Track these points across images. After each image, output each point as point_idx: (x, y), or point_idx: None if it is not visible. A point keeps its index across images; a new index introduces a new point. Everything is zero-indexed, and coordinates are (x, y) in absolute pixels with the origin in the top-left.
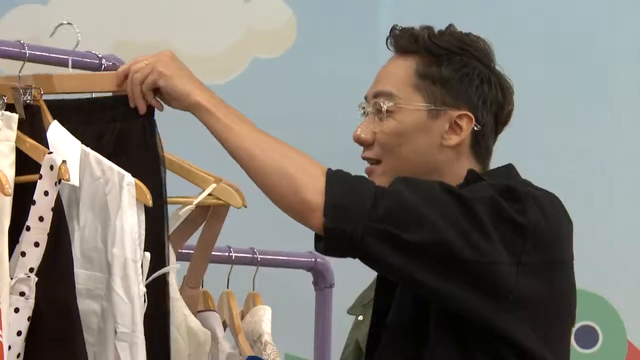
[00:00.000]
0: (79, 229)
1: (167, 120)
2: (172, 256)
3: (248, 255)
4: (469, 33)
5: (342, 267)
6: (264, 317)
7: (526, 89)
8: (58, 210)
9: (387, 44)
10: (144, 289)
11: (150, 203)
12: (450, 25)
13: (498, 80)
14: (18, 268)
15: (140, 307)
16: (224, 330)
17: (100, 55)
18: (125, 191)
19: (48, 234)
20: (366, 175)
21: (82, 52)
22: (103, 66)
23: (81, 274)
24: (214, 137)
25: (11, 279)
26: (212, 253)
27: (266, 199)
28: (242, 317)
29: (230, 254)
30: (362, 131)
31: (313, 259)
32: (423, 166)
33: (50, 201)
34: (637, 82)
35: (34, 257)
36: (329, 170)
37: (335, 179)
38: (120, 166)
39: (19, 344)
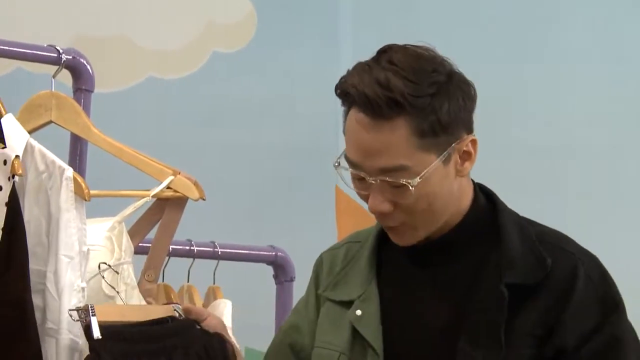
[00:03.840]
0: (25, 223)
1: (127, 115)
2: (129, 249)
3: (209, 249)
4: (420, 53)
5: (302, 261)
6: (224, 310)
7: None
8: (13, 205)
9: (353, 102)
10: (84, 284)
11: (87, 198)
12: (405, 49)
13: (466, 84)
14: None
15: (67, 304)
16: None
17: (60, 50)
18: (64, 185)
19: (2, 229)
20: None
21: (42, 45)
22: (62, 60)
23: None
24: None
25: None
26: (173, 247)
27: (226, 193)
28: None
29: (192, 248)
30: (381, 205)
31: (273, 253)
32: (449, 205)
33: (4, 196)
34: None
35: None
36: None
37: None
38: None
39: None
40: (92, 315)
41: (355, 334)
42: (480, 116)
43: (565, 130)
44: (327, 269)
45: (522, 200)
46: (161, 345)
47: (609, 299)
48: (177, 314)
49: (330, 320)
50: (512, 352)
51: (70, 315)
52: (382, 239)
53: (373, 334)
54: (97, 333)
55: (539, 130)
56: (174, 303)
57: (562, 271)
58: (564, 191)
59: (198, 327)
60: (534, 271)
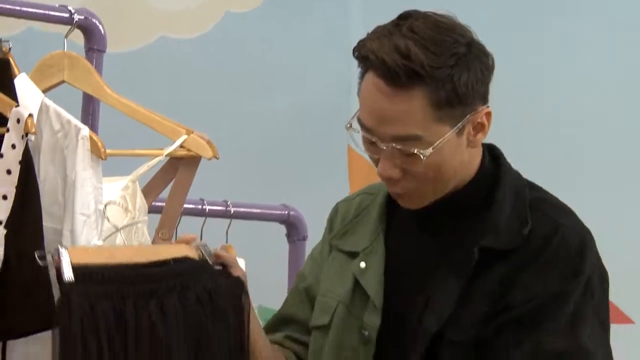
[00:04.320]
0: (40, 182)
1: (139, 75)
2: (143, 208)
3: (221, 208)
4: (441, 21)
5: (315, 220)
6: None
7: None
8: (26, 163)
9: (371, 67)
10: (100, 243)
11: (104, 157)
12: (426, 17)
13: (485, 55)
14: None
15: None
16: None
17: (72, 10)
18: (80, 144)
19: (16, 187)
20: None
21: (54, 6)
22: (74, 20)
23: (44, 228)
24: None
25: None
26: (186, 206)
27: (239, 152)
28: None
29: (204, 207)
30: (391, 170)
31: (286, 212)
32: (458, 173)
33: (18, 154)
34: None
35: (3, 209)
36: None
37: None
38: None
39: None
40: (61, 257)
41: (357, 285)
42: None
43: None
44: (340, 218)
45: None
46: (154, 287)
47: (576, 267)
48: (199, 254)
49: (335, 269)
50: (469, 308)
51: (38, 259)
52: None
53: (374, 288)
54: (68, 275)
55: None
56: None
57: (539, 235)
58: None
59: (218, 268)
60: (512, 237)
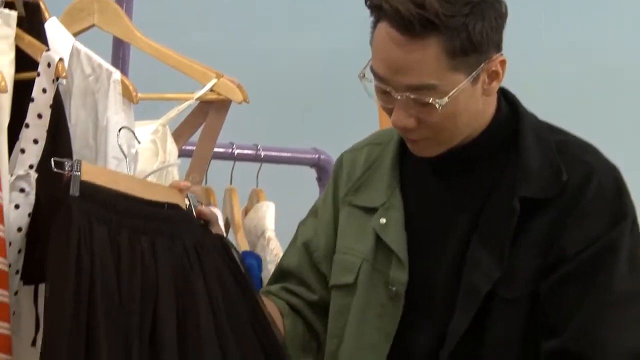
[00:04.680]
0: (71, 126)
1: (169, 19)
2: (174, 152)
3: (251, 152)
4: None
5: None
6: (267, 213)
7: None
8: (57, 107)
9: (384, 16)
10: None
11: (135, 100)
12: None
13: (498, 2)
14: (18, 165)
15: None
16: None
17: None
18: (112, 88)
19: (47, 131)
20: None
21: None
22: None
23: None
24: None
25: (11, 175)
26: (216, 149)
27: (269, 95)
28: (246, 213)
29: (234, 151)
30: (405, 120)
31: (317, 155)
32: (472, 122)
33: (49, 98)
34: None
35: (33, 154)
36: None
37: None
38: None
39: (19, 240)
40: (76, 171)
41: (379, 241)
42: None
43: None
44: (347, 171)
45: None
46: (147, 225)
47: (618, 211)
48: (186, 203)
49: (353, 226)
50: (520, 263)
51: (53, 166)
52: (403, 144)
53: (398, 242)
54: (75, 190)
55: None
56: (212, 206)
57: (576, 182)
58: None
59: (202, 225)
60: (549, 185)
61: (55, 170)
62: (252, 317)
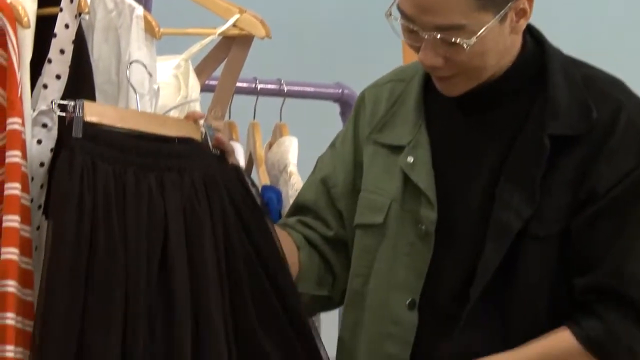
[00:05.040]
0: (94, 62)
1: None
2: (196, 87)
3: (274, 87)
4: None
5: None
6: (290, 147)
7: None
8: (79, 42)
9: None
10: None
11: (158, 36)
12: None
13: None
14: (40, 100)
15: None
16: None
17: None
18: (134, 23)
19: (69, 67)
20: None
21: None
22: None
23: None
24: None
25: (33, 110)
26: (238, 84)
27: (292, 30)
28: (270, 148)
29: (257, 85)
30: (433, 59)
31: (340, 90)
32: (500, 59)
33: (71, 34)
34: None
35: (56, 89)
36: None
37: None
38: None
39: (41, 174)
40: (79, 112)
41: (407, 181)
42: None
43: None
44: (370, 108)
45: None
46: (155, 163)
47: None
48: (201, 134)
49: (379, 164)
50: (550, 201)
51: (52, 108)
52: (428, 80)
53: (426, 181)
54: (78, 132)
55: None
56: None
57: (605, 119)
58: None
59: (217, 153)
60: (578, 122)
61: (57, 113)
62: (266, 250)
